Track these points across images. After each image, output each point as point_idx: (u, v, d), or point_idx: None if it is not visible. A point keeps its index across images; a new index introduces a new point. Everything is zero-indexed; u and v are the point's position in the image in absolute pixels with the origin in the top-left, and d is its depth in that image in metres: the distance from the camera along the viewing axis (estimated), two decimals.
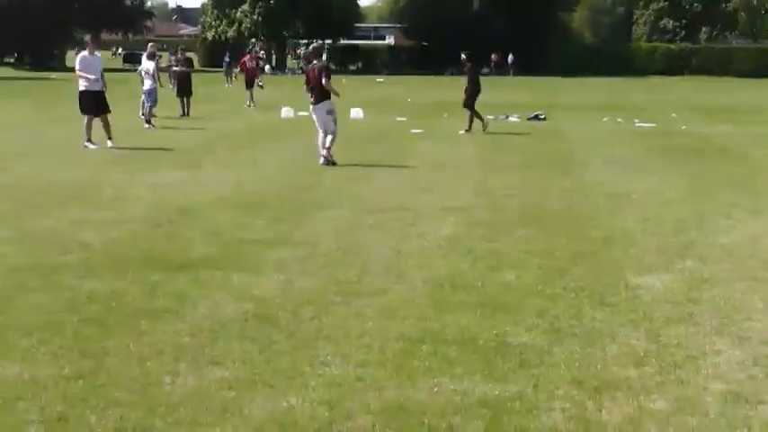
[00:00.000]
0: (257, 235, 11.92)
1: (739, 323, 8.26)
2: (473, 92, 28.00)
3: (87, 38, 24.12)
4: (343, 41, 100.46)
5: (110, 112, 22.68)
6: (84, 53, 22.91)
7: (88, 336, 7.75)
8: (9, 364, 7.04)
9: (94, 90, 22.46)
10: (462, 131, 27.33)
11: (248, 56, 41.56)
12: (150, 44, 34.18)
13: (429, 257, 10.78)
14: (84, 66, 22.54)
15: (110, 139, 22.28)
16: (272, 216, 13.24)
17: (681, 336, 7.90)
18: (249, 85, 38.72)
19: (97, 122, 22.28)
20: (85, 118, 22.38)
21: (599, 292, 9.23)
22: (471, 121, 27.69)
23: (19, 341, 7.59)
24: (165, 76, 34.86)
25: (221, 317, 8.34)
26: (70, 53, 74.02)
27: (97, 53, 23.44)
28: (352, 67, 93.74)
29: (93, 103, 22.37)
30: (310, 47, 23.53)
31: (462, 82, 28.53)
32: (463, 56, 29.14)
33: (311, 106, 20.36)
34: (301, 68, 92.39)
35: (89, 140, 22.18)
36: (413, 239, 11.77)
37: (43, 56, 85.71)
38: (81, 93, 22.61)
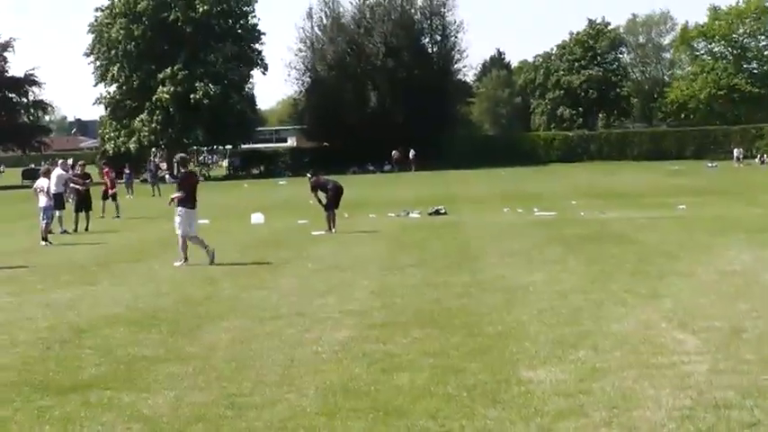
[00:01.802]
0: (150, 351, 11.73)
1: (628, 413, 8.29)
2: (333, 198, 28.30)
3: None
4: (244, 146, 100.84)
5: None
6: None
7: None
8: None
9: None
10: (329, 231, 27.73)
11: (108, 168, 40.96)
12: (61, 161, 34.27)
13: (323, 363, 10.70)
14: None
15: None
16: (166, 330, 13.05)
17: (570, 429, 7.91)
18: (105, 196, 38.37)
19: None
20: None
21: (491, 390, 9.22)
22: (333, 221, 27.93)
23: None
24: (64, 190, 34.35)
25: None
26: None
27: None
28: (255, 171, 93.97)
29: None
30: (179, 156, 23.96)
31: (321, 195, 28.47)
32: (309, 174, 29.98)
33: (187, 210, 21.08)
34: (204, 175, 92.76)
35: None
36: (308, 346, 11.68)
37: None
38: None
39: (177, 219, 21.14)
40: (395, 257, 21.31)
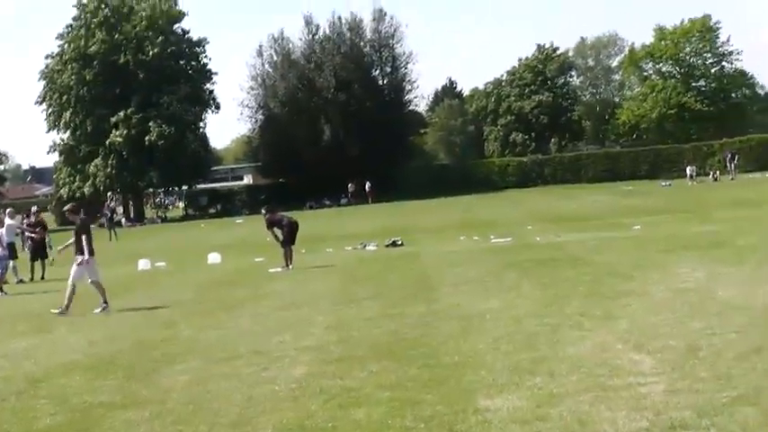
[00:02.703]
0: (107, 397, 11.62)
1: None
2: (288, 234, 28.31)
3: None
4: (199, 186, 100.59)
5: None
6: None
7: None
8: None
9: None
10: (285, 267, 27.63)
11: (41, 217, 39.23)
12: (9, 210, 33.85)
13: (280, 402, 10.65)
14: None
15: None
16: (122, 376, 12.95)
17: None
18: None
19: None
20: None
21: (448, 421, 9.20)
22: (290, 257, 28.01)
23: None
24: (17, 239, 33.80)
25: None
26: None
27: None
28: (212, 211, 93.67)
29: None
30: (69, 206, 24.08)
31: (277, 232, 28.47)
32: (263, 211, 29.93)
33: (88, 257, 21.10)
34: (161, 217, 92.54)
35: None
36: (265, 385, 11.62)
37: None
38: None
39: (77, 268, 21.09)
40: (351, 291, 21.28)
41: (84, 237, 21.15)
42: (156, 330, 17.43)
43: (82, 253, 21.07)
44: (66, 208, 24.11)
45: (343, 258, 30.26)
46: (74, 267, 21.16)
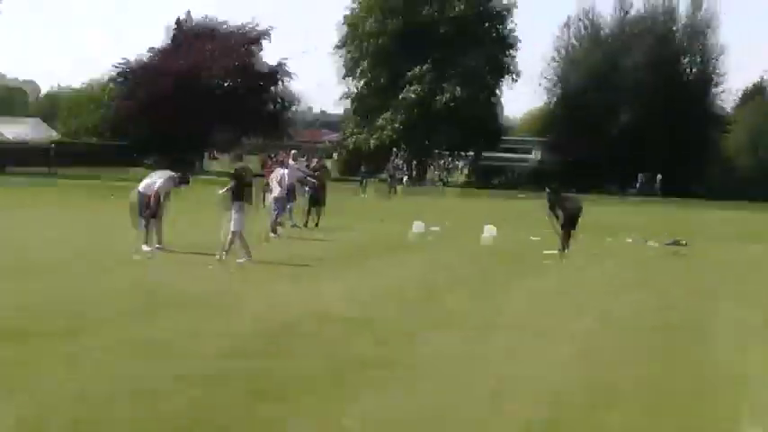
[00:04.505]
0: (361, 352, 11.65)
1: None
2: (570, 218, 27.29)
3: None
4: (485, 154, 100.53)
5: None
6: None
7: None
8: None
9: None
10: (561, 250, 26.62)
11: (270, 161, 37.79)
12: (293, 151, 34.26)
13: (534, 381, 10.42)
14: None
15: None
16: (378, 333, 12.92)
17: None
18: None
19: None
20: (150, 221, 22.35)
21: None
22: (567, 241, 27.08)
23: None
24: (298, 184, 33.70)
25: None
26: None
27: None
28: (495, 182, 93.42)
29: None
30: (233, 153, 24.04)
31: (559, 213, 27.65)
32: (547, 189, 28.65)
33: (239, 205, 21.05)
34: (443, 180, 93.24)
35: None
36: (521, 363, 11.38)
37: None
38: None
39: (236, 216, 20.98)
40: (625, 284, 20.72)
41: (240, 185, 21.16)
42: (419, 293, 17.41)
43: (236, 200, 21.09)
44: (231, 155, 24.20)
45: (621, 250, 29.51)
46: (233, 216, 20.98)
